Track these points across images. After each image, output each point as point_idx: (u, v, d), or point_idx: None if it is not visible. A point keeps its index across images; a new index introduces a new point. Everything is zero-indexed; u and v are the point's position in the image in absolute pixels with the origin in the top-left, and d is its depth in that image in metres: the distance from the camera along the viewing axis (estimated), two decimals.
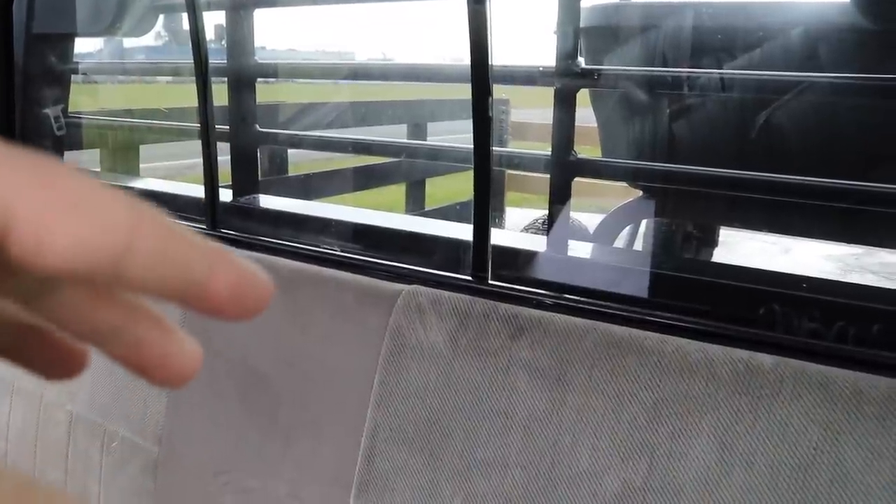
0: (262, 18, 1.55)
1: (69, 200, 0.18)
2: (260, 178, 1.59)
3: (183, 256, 0.20)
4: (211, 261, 0.21)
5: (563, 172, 1.16)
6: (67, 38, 1.79)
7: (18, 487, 0.18)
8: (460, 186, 3.63)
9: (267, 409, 1.15)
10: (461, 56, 1.12)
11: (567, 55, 1.14)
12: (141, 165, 2.38)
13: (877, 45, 1.26)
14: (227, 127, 1.51)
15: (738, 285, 0.99)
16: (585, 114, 1.27)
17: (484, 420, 0.96)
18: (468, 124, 1.12)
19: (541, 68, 1.21)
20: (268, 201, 1.50)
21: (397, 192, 4.18)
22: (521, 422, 0.93)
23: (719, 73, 1.12)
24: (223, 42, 1.58)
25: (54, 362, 0.25)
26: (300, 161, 3.74)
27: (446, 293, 1.03)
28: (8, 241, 0.17)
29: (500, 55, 1.09)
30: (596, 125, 2.03)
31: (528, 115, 4.64)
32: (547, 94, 1.16)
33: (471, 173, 1.13)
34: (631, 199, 2.23)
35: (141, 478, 1.28)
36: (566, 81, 1.14)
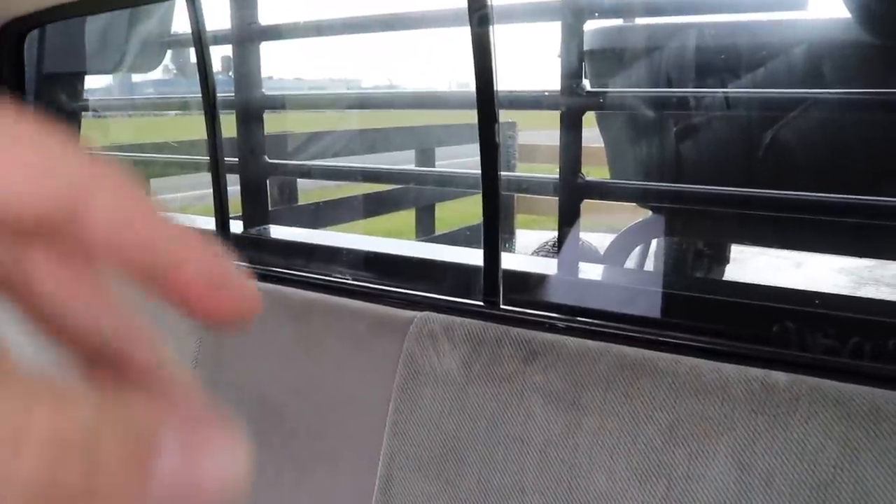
0: (269, 48, 1.56)
1: (23, 143, 0.17)
2: (270, 208, 1.59)
3: (149, 231, 0.18)
4: (183, 248, 0.19)
5: (571, 195, 1.17)
6: (77, 77, 1.81)
7: None
8: (469, 209, 3.64)
9: (281, 440, 1.15)
10: (467, 81, 1.13)
11: (572, 78, 1.15)
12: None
13: (880, 60, 1.27)
14: (236, 159, 1.52)
15: (751, 303, 0.99)
16: (591, 134, 1.27)
17: (499, 445, 0.95)
18: (476, 148, 1.13)
19: (546, 92, 1.22)
20: (278, 231, 1.51)
21: (407, 217, 4.19)
22: (536, 446, 0.93)
23: (724, 92, 1.13)
24: (230, 73, 1.60)
25: None
26: (310, 189, 3.76)
27: (458, 319, 1.03)
28: None
29: (506, 80, 1.10)
30: (602, 145, 2.04)
31: (535, 136, 4.66)
32: (554, 115, 1.17)
33: (479, 196, 1.13)
34: (640, 219, 2.23)
35: None
36: (571, 104, 1.14)
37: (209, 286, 0.20)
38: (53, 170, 0.17)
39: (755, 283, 1.03)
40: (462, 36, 1.09)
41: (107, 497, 0.14)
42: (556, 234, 1.30)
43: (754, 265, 3.66)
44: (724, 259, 2.58)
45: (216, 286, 0.20)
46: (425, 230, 4.15)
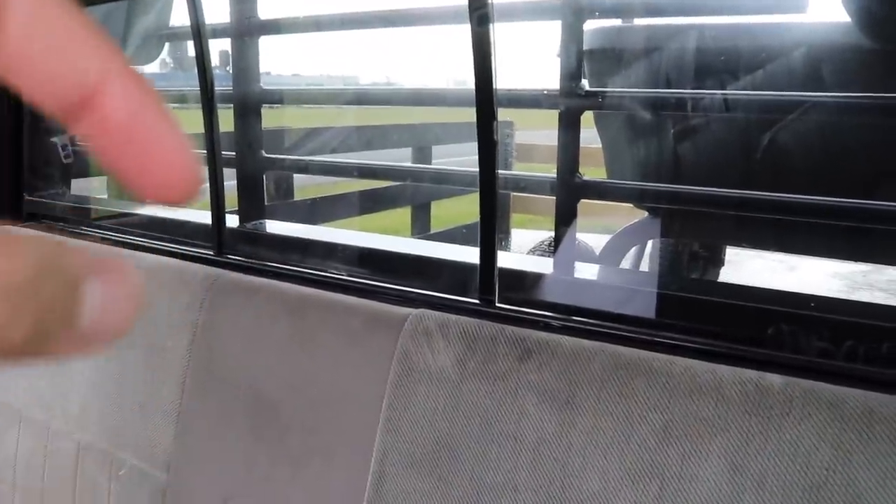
0: (267, 44, 1.56)
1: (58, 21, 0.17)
2: (266, 204, 1.59)
3: (70, 42, 0.18)
4: (110, 69, 0.18)
5: (568, 194, 1.16)
6: None
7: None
8: (465, 208, 3.64)
9: (275, 435, 1.15)
10: (465, 79, 1.13)
11: (571, 78, 1.14)
12: None
13: (879, 64, 1.27)
14: (233, 153, 1.52)
15: (746, 305, 0.99)
16: (589, 135, 1.27)
17: (493, 443, 0.96)
18: (473, 147, 1.13)
19: (545, 91, 1.22)
20: (274, 226, 1.50)
21: (403, 215, 4.19)
22: (530, 445, 0.93)
23: (722, 94, 1.13)
24: (228, 68, 1.59)
25: None
26: (306, 185, 3.75)
27: (454, 317, 1.03)
28: None
29: (505, 78, 1.10)
30: (600, 146, 2.04)
31: (533, 136, 4.66)
32: (552, 115, 1.17)
33: (475, 195, 1.13)
34: (636, 220, 2.23)
35: None
36: (570, 104, 1.14)
37: (134, 122, 0.19)
38: (82, 52, 0.17)
39: (750, 285, 1.03)
40: (461, 34, 1.10)
41: (47, 336, 0.17)
42: (551, 233, 1.30)
43: (749, 268, 3.67)
44: (719, 261, 2.58)
45: (142, 125, 0.19)
46: (421, 228, 4.15)
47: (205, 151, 1.40)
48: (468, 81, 1.10)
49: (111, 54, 0.18)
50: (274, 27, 1.58)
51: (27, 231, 0.18)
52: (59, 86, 0.18)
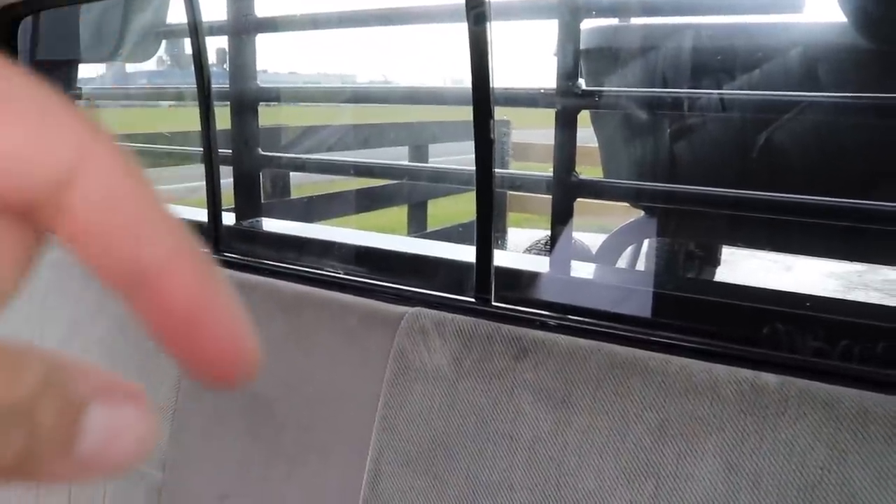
0: (264, 42, 1.56)
1: (13, 102, 0.15)
2: (262, 201, 1.59)
3: (137, 218, 0.17)
4: (176, 249, 0.17)
5: (564, 193, 1.17)
6: (71, 64, 1.80)
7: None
8: (462, 207, 3.64)
9: (271, 433, 1.15)
10: (461, 78, 1.13)
11: (568, 77, 1.15)
12: None
13: (875, 65, 1.27)
14: (230, 151, 1.51)
15: (742, 304, 0.99)
16: (585, 134, 1.27)
17: (489, 442, 0.96)
18: (469, 146, 1.13)
19: (542, 90, 1.22)
20: (270, 224, 1.50)
21: (399, 213, 4.19)
22: (526, 443, 0.93)
23: (719, 94, 1.13)
24: (224, 65, 1.59)
25: None
26: (302, 183, 3.75)
27: (450, 315, 1.03)
28: None
29: (502, 77, 1.10)
30: (596, 145, 2.04)
31: (529, 135, 4.66)
32: (548, 114, 1.17)
33: (472, 194, 1.13)
34: (632, 219, 2.24)
35: (145, 503, 1.27)
36: (567, 103, 1.14)
37: (195, 307, 0.17)
38: (50, 135, 0.16)
39: (746, 284, 1.03)
40: (458, 32, 1.09)
41: (41, 460, 0.16)
42: (547, 232, 1.30)
43: (745, 268, 3.68)
44: (715, 261, 2.59)
45: (203, 311, 0.17)
46: (417, 227, 4.15)
47: (201, 149, 1.40)
48: (465, 80, 1.10)
49: (180, 236, 0.17)
50: (271, 25, 1.58)
51: (25, 344, 0.17)
52: (122, 264, 0.17)
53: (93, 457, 0.16)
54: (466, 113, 1.12)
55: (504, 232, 4.12)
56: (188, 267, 0.17)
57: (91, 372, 0.17)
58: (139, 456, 0.17)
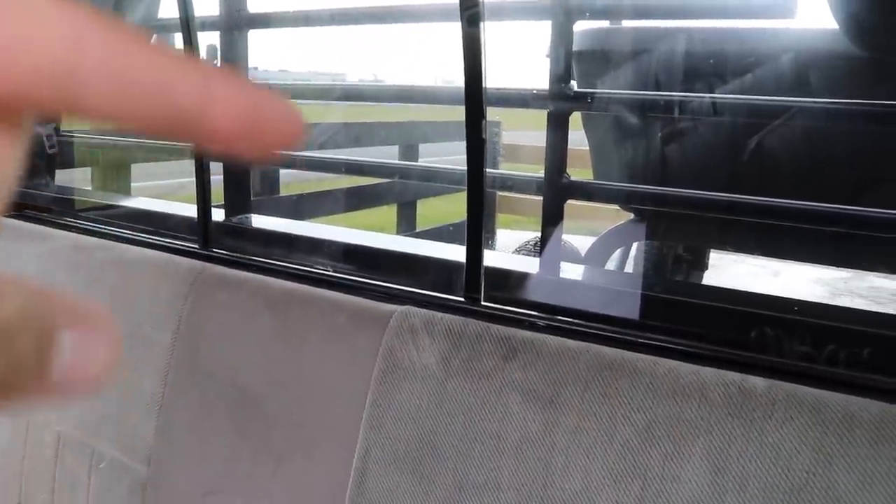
0: (255, 39, 1.55)
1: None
2: (252, 198, 1.58)
3: (159, 78, 0.17)
4: (206, 84, 0.17)
5: (555, 194, 1.17)
6: None
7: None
8: (452, 207, 3.64)
9: (258, 430, 1.15)
10: (453, 78, 1.13)
11: (560, 78, 1.15)
12: (133, 184, 2.37)
13: (866, 72, 1.28)
14: None
15: (730, 308, 1.00)
16: (576, 137, 1.28)
17: (476, 441, 0.96)
18: (460, 146, 1.13)
19: (534, 91, 1.22)
20: (260, 221, 1.50)
21: (389, 213, 4.19)
22: (513, 443, 0.93)
23: (710, 98, 1.13)
24: (216, 62, 1.59)
25: None
26: (291, 181, 3.74)
27: (439, 314, 1.03)
28: None
29: (494, 78, 1.10)
30: (587, 148, 2.04)
31: (519, 136, 4.66)
32: (538, 116, 1.17)
33: (462, 195, 1.13)
34: (622, 222, 2.24)
35: (129, 499, 1.26)
36: (559, 104, 1.14)
37: (246, 121, 0.18)
38: (38, 24, 0.16)
39: (735, 288, 1.04)
40: (450, 32, 1.09)
41: (17, 383, 0.17)
42: (536, 234, 1.30)
43: (732, 272, 3.69)
44: (703, 265, 2.60)
45: (257, 114, 0.18)
46: (407, 226, 4.15)
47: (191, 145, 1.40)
48: (456, 80, 1.10)
49: (201, 68, 0.17)
50: (263, 21, 1.58)
51: (4, 274, 0.17)
52: (162, 116, 0.17)
53: (65, 379, 0.18)
54: (458, 113, 1.12)
55: (493, 233, 4.13)
56: (224, 89, 0.18)
57: (62, 299, 0.18)
58: (102, 379, 0.18)
